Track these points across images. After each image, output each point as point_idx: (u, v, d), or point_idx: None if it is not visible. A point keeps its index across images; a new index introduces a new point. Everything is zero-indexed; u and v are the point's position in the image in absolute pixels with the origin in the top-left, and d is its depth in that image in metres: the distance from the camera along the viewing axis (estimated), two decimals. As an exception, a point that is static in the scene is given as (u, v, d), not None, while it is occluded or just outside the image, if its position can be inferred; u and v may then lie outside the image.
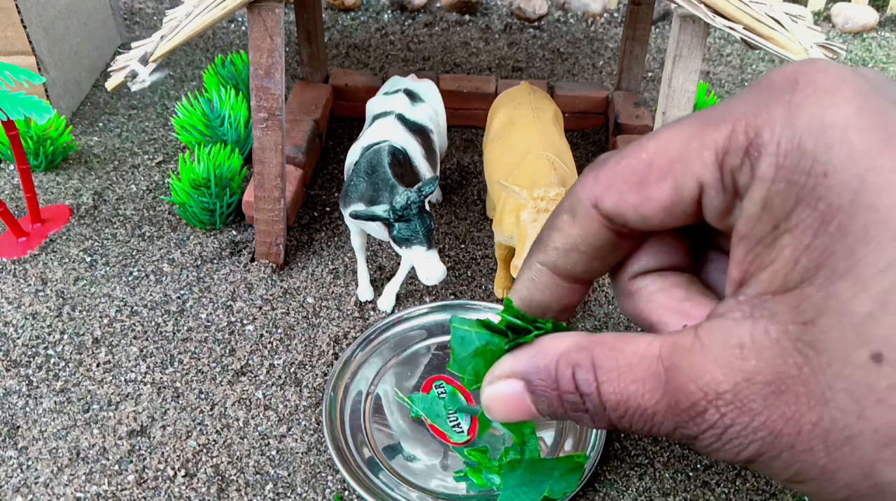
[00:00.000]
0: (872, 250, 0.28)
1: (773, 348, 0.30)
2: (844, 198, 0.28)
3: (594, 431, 0.74)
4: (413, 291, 0.92)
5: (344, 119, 1.24)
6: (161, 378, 0.80)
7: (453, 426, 0.75)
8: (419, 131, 0.90)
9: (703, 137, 0.33)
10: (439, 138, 0.97)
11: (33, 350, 0.82)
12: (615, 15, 1.64)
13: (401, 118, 0.90)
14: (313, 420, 0.77)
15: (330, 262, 0.95)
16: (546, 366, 0.37)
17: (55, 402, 0.77)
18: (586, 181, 0.37)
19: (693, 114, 0.34)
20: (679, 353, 0.33)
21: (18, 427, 0.75)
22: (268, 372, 0.81)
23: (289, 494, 0.70)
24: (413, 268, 0.83)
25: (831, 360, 0.28)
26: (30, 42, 1.11)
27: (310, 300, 0.90)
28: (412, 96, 0.95)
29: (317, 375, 0.81)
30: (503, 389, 0.39)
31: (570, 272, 0.40)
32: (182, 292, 0.90)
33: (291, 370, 0.81)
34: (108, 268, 0.93)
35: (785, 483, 0.33)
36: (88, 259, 0.94)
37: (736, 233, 0.33)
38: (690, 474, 0.72)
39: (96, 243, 0.97)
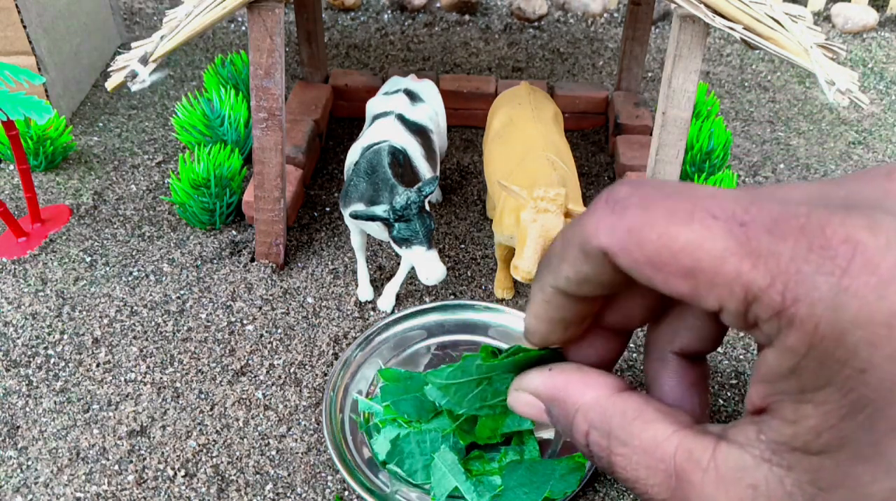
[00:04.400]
0: None
1: (784, 500, 0.30)
2: (879, 396, 0.27)
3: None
4: (413, 291, 0.92)
5: (344, 119, 1.24)
6: (161, 378, 0.80)
7: None
8: (419, 131, 0.90)
9: (739, 264, 0.30)
10: (439, 138, 0.97)
11: (33, 350, 0.82)
12: (615, 15, 1.64)
13: (401, 118, 0.90)
14: (313, 420, 0.77)
15: (330, 262, 0.95)
16: (566, 413, 0.37)
17: (55, 402, 0.77)
18: (601, 224, 0.33)
19: (732, 209, 0.30)
20: (692, 466, 0.33)
21: (18, 427, 0.75)
22: (268, 372, 0.81)
23: (289, 494, 0.70)
24: (413, 268, 0.83)
25: None
26: (30, 42, 1.11)
27: (310, 300, 0.90)
28: (412, 96, 0.95)
29: (317, 375, 0.81)
30: (528, 401, 0.40)
31: (587, 296, 0.39)
32: (182, 292, 0.90)
33: (291, 370, 0.81)
34: (108, 268, 0.93)
35: None
36: (88, 259, 0.94)
37: (758, 371, 0.31)
38: (690, 474, 0.72)
39: (96, 243, 0.97)
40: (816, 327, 0.27)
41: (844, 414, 0.28)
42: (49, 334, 0.84)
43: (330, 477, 0.72)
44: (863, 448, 0.28)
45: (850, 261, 0.27)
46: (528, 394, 0.39)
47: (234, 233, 0.99)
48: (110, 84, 0.78)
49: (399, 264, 0.91)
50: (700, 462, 0.32)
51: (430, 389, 0.71)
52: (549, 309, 0.38)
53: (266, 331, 0.85)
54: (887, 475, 0.27)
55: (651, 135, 0.89)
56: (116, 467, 0.72)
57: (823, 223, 0.28)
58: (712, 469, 0.32)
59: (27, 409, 0.77)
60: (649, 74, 1.42)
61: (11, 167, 1.10)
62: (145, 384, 0.79)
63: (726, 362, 0.85)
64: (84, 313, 0.87)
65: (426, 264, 0.77)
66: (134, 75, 0.76)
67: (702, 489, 0.32)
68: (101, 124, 1.21)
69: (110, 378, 0.80)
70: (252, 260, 0.94)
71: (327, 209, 1.04)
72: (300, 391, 0.79)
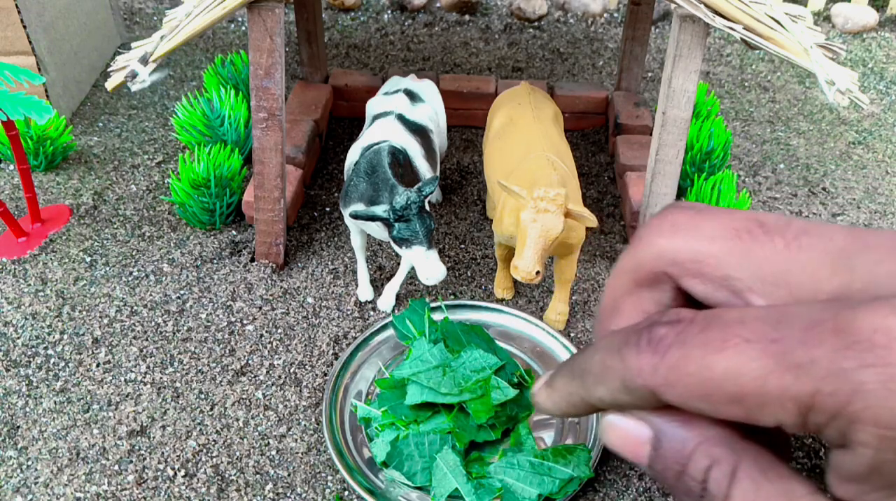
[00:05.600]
0: None
1: None
2: None
3: (594, 431, 0.74)
4: (413, 291, 0.92)
5: (344, 119, 1.24)
6: (161, 378, 0.80)
7: None
8: (419, 131, 0.90)
9: (781, 379, 0.30)
10: (439, 138, 0.97)
11: (33, 350, 0.82)
12: (615, 15, 1.64)
13: (401, 118, 0.90)
14: (313, 420, 0.77)
15: (330, 262, 0.95)
16: (683, 441, 0.34)
17: (55, 402, 0.77)
18: (644, 365, 0.33)
19: (761, 330, 0.30)
20: None
21: (18, 427, 0.75)
22: (268, 372, 0.81)
23: (289, 494, 0.70)
24: (413, 268, 0.83)
25: None
26: (30, 42, 1.11)
27: (310, 300, 0.90)
28: (412, 96, 0.95)
29: (317, 375, 0.81)
30: (631, 426, 0.37)
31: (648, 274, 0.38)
32: (182, 292, 0.90)
33: (291, 370, 0.81)
34: (108, 268, 0.93)
35: None
36: (88, 259, 0.94)
37: (838, 471, 0.31)
38: (690, 474, 0.72)
39: (96, 243, 0.97)
40: (878, 419, 0.27)
41: None
42: (49, 334, 0.84)
43: (330, 477, 0.72)
44: None
45: (888, 348, 0.27)
46: (632, 421, 0.35)
47: (234, 233, 0.99)
48: (110, 84, 0.78)
49: (399, 264, 0.91)
50: None
51: (411, 393, 0.72)
52: (571, 409, 0.38)
53: (266, 331, 0.85)
54: None
55: (651, 135, 0.89)
56: (116, 467, 0.72)
57: (850, 320, 0.28)
58: None
59: (27, 409, 0.77)
60: (649, 74, 1.42)
61: (11, 167, 1.10)
62: (145, 384, 0.79)
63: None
64: (84, 313, 0.87)
65: (426, 264, 0.77)
66: (134, 75, 0.76)
67: None
68: (101, 124, 1.21)
69: (110, 378, 0.80)
70: (252, 260, 0.94)
71: (327, 209, 1.04)
72: (300, 391, 0.79)
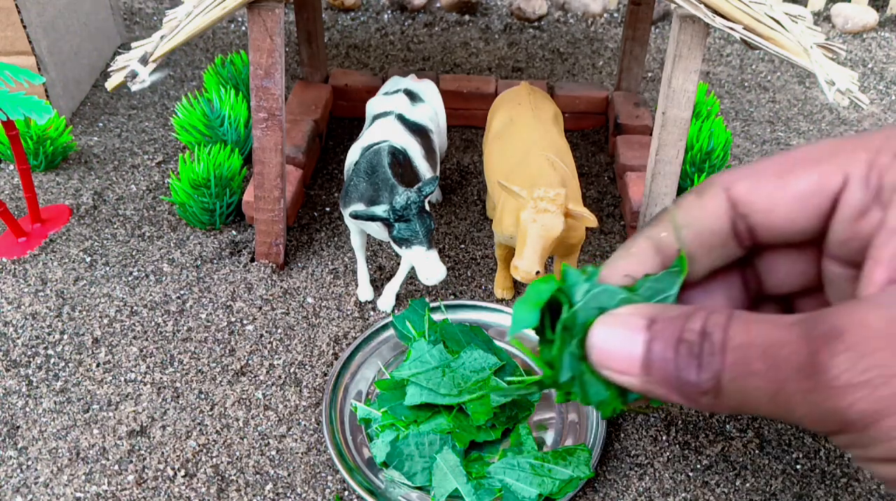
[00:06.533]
0: None
1: None
2: None
3: (594, 431, 0.74)
4: (413, 291, 0.92)
5: (344, 119, 1.24)
6: (161, 378, 0.80)
7: None
8: (419, 131, 0.90)
9: (858, 141, 0.34)
10: (439, 138, 0.97)
11: (33, 350, 0.82)
12: (615, 15, 1.64)
13: (401, 118, 0.90)
14: (313, 420, 0.77)
15: (330, 262, 0.95)
16: (680, 313, 0.35)
17: (55, 402, 0.77)
18: (724, 172, 0.37)
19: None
20: (824, 312, 0.32)
21: (18, 427, 0.75)
22: (268, 372, 0.81)
23: (289, 494, 0.70)
24: (413, 268, 0.83)
25: None
26: (30, 42, 1.11)
27: (310, 300, 0.90)
28: (412, 96, 0.95)
29: (317, 375, 0.81)
30: (621, 323, 0.37)
31: (670, 252, 0.39)
32: (182, 292, 0.90)
33: (291, 370, 0.81)
34: (108, 268, 0.93)
35: (879, 459, 0.31)
36: (88, 259, 0.94)
37: (885, 228, 0.33)
38: (690, 474, 0.72)
39: (96, 243, 0.97)
40: None
41: None
42: (49, 334, 0.84)
43: (330, 477, 0.72)
44: None
45: None
46: (625, 316, 0.37)
47: (234, 233, 0.99)
48: (110, 84, 0.78)
49: (399, 264, 0.91)
50: (830, 309, 0.33)
51: (410, 394, 0.72)
52: (628, 257, 0.41)
53: (266, 331, 0.85)
54: None
55: (651, 135, 0.89)
56: (116, 467, 0.72)
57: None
58: (846, 304, 0.32)
59: (27, 409, 0.77)
60: (649, 74, 1.42)
61: (11, 167, 1.10)
62: (145, 384, 0.79)
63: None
64: (84, 313, 0.87)
65: (426, 264, 0.77)
66: (134, 75, 0.76)
67: (838, 309, 0.32)
68: (101, 124, 1.21)
69: (110, 378, 0.80)
70: (252, 260, 0.94)
71: (327, 209, 1.04)
72: (300, 391, 0.79)
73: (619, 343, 0.37)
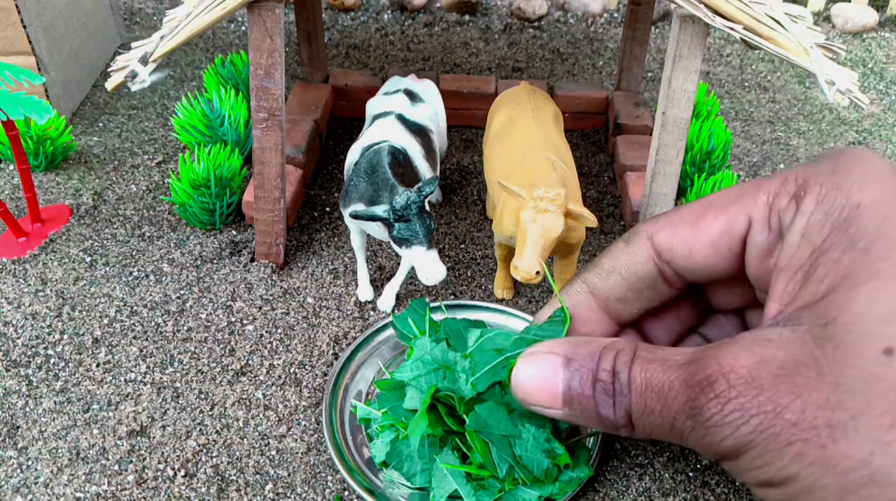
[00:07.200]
0: (892, 264, 0.33)
1: (795, 341, 0.35)
2: (872, 225, 0.34)
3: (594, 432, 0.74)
4: (413, 291, 0.92)
5: (344, 119, 1.24)
6: (161, 378, 0.80)
7: None
8: (419, 131, 0.90)
9: (759, 185, 0.39)
10: (439, 138, 0.97)
11: (33, 350, 0.82)
12: (615, 15, 1.64)
13: (401, 118, 0.90)
14: (313, 420, 0.77)
15: (330, 262, 0.95)
16: (591, 351, 0.42)
17: (55, 402, 0.77)
18: (648, 220, 0.43)
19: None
20: (710, 349, 0.38)
21: (18, 427, 0.75)
22: (268, 372, 0.81)
23: (289, 494, 0.70)
24: (413, 268, 0.83)
25: (846, 351, 0.33)
26: (30, 42, 1.11)
27: (310, 300, 0.90)
28: (412, 96, 0.95)
29: (317, 375, 0.81)
30: (541, 361, 0.45)
31: (605, 295, 0.47)
32: (182, 292, 0.90)
33: (291, 370, 0.81)
34: (108, 268, 0.93)
35: (762, 484, 0.37)
36: (88, 259, 0.94)
37: (776, 269, 0.38)
38: (690, 474, 0.72)
39: (96, 243, 0.97)
40: (821, 186, 0.36)
41: (846, 246, 0.35)
42: (49, 334, 0.84)
43: (330, 477, 0.72)
44: (861, 272, 0.34)
45: (844, 153, 0.41)
46: (543, 355, 0.44)
47: (234, 233, 0.99)
48: (110, 84, 0.78)
49: (399, 264, 0.91)
50: (717, 345, 0.40)
51: (410, 396, 0.72)
52: (569, 302, 0.52)
53: (266, 331, 0.85)
54: (883, 293, 0.33)
55: (651, 135, 0.89)
56: (116, 467, 0.72)
57: (827, 153, 0.41)
58: (729, 341, 0.39)
59: (27, 409, 0.77)
60: (649, 74, 1.42)
61: (11, 167, 1.10)
62: (145, 384, 0.79)
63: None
64: (84, 313, 0.87)
65: (426, 264, 0.77)
66: (134, 75, 0.76)
67: (717, 352, 0.39)
68: (101, 124, 1.21)
69: (110, 378, 0.80)
70: (252, 260, 0.94)
71: (327, 209, 1.04)
72: (300, 391, 0.79)
73: (541, 381, 0.47)
